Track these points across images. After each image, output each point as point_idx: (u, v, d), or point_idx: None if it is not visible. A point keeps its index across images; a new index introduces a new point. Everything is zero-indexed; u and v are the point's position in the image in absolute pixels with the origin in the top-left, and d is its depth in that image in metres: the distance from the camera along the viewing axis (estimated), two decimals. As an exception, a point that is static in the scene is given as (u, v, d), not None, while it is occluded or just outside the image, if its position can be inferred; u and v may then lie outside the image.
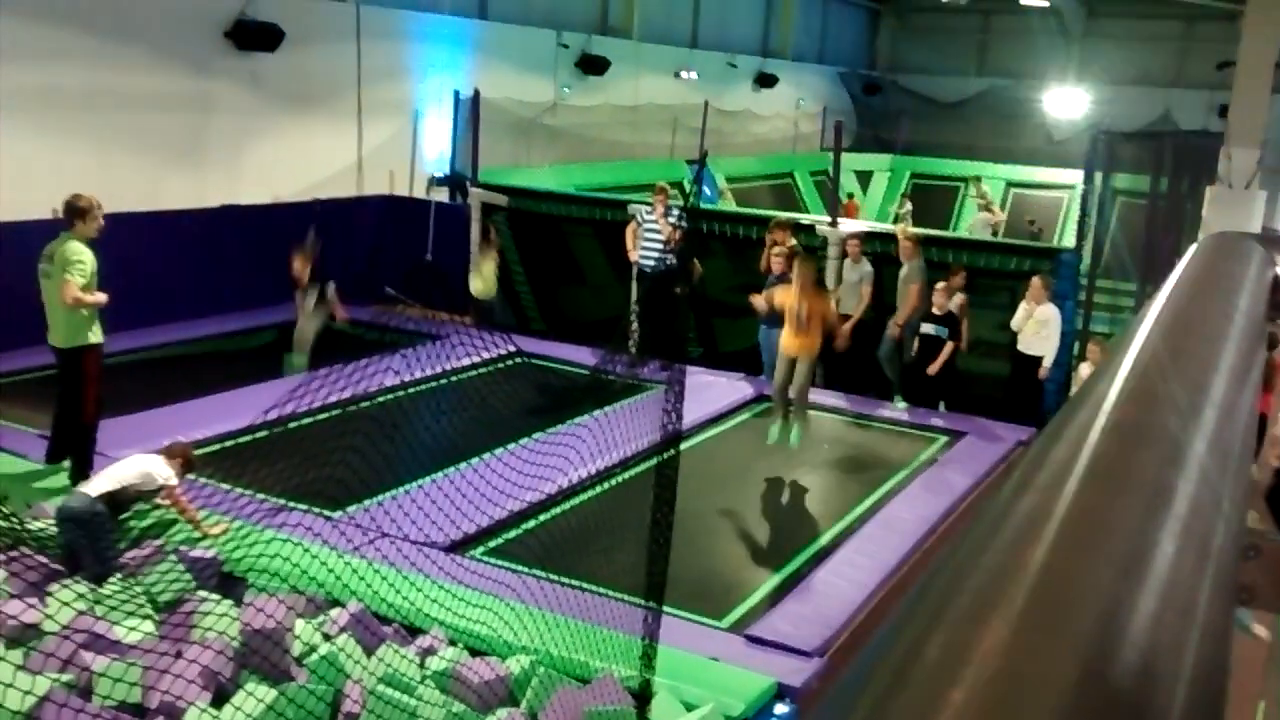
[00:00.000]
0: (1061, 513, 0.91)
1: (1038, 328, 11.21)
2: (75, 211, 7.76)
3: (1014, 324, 11.32)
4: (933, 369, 11.28)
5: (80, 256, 7.67)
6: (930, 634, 0.76)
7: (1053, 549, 0.85)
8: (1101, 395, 1.21)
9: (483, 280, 13.85)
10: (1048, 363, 11.17)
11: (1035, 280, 11.27)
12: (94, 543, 6.40)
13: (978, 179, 22.70)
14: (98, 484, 6.64)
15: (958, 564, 0.86)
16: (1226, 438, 1.11)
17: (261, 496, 7.66)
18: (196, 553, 6.56)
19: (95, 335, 7.87)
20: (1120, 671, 0.72)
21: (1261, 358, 1.57)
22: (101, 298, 7.90)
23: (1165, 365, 1.29)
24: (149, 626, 5.77)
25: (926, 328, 11.36)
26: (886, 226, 15.30)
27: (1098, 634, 0.75)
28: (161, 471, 6.84)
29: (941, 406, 11.67)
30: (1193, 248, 2.24)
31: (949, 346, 11.26)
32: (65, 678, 5.26)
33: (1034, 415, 11.30)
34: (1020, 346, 11.33)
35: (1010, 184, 24.54)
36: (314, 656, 5.64)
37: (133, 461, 6.87)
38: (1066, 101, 28.38)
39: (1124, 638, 0.75)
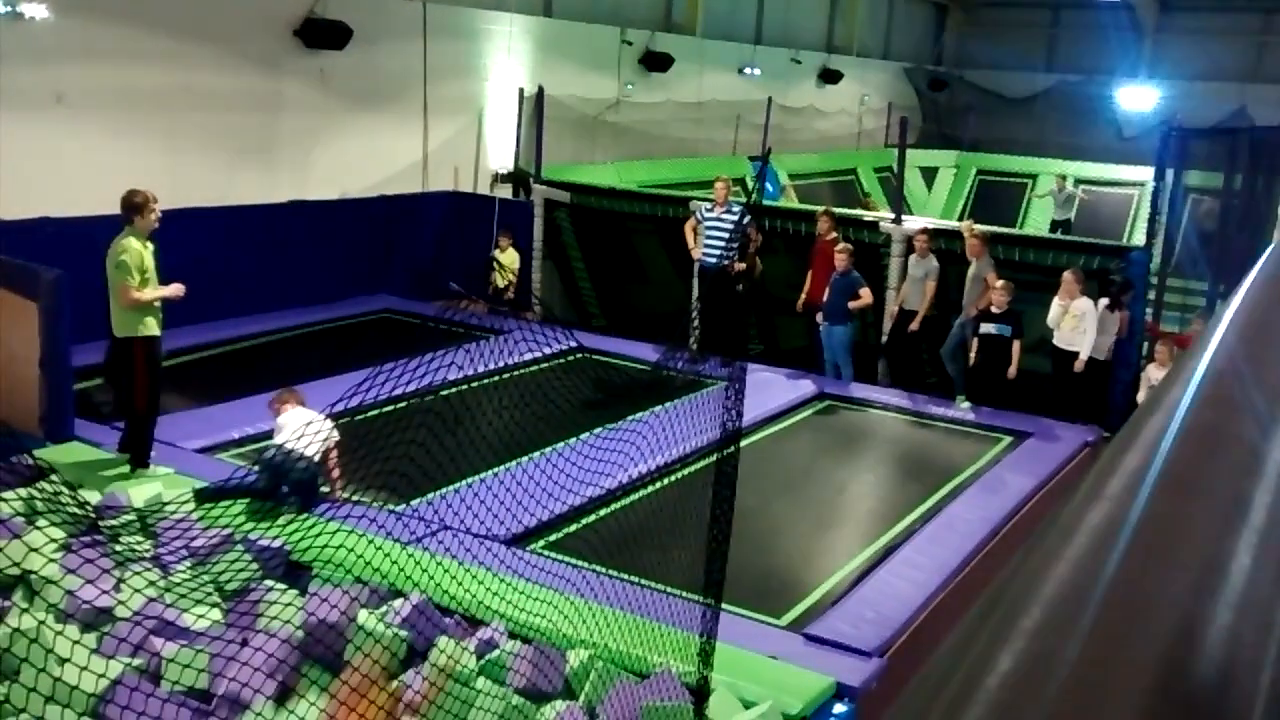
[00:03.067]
0: (1135, 522, 0.89)
1: (1075, 322, 11.03)
2: (131, 206, 7.91)
3: (1050, 321, 11.15)
4: (1011, 371, 11.11)
5: (123, 254, 7.77)
6: (1002, 644, 0.75)
7: (1127, 559, 0.84)
8: (1175, 400, 1.19)
9: (501, 273, 14.08)
10: (1084, 356, 10.98)
11: (1067, 274, 11.10)
12: (296, 488, 7.43)
13: (1063, 178, 22.40)
14: (290, 438, 7.32)
15: (1030, 573, 0.85)
16: None
17: (327, 488, 7.79)
18: (264, 541, 6.67)
19: (148, 328, 7.94)
20: (1196, 687, 0.71)
21: None
22: (166, 291, 8.03)
23: (1241, 370, 1.26)
24: (216, 614, 5.89)
25: (987, 327, 11.21)
26: (951, 223, 15.14)
27: (1173, 649, 0.73)
28: (329, 432, 7.42)
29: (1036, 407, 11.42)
30: (1270, 249, 2.18)
31: (1017, 346, 11.10)
32: (136, 662, 5.38)
33: (1099, 415, 11.13)
34: (1058, 342, 11.14)
35: (1079, 181, 24.14)
36: (377, 640, 5.72)
37: (313, 430, 7.29)
38: (1138, 97, 27.82)
39: (1200, 653, 0.73)
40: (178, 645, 5.41)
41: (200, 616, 5.77)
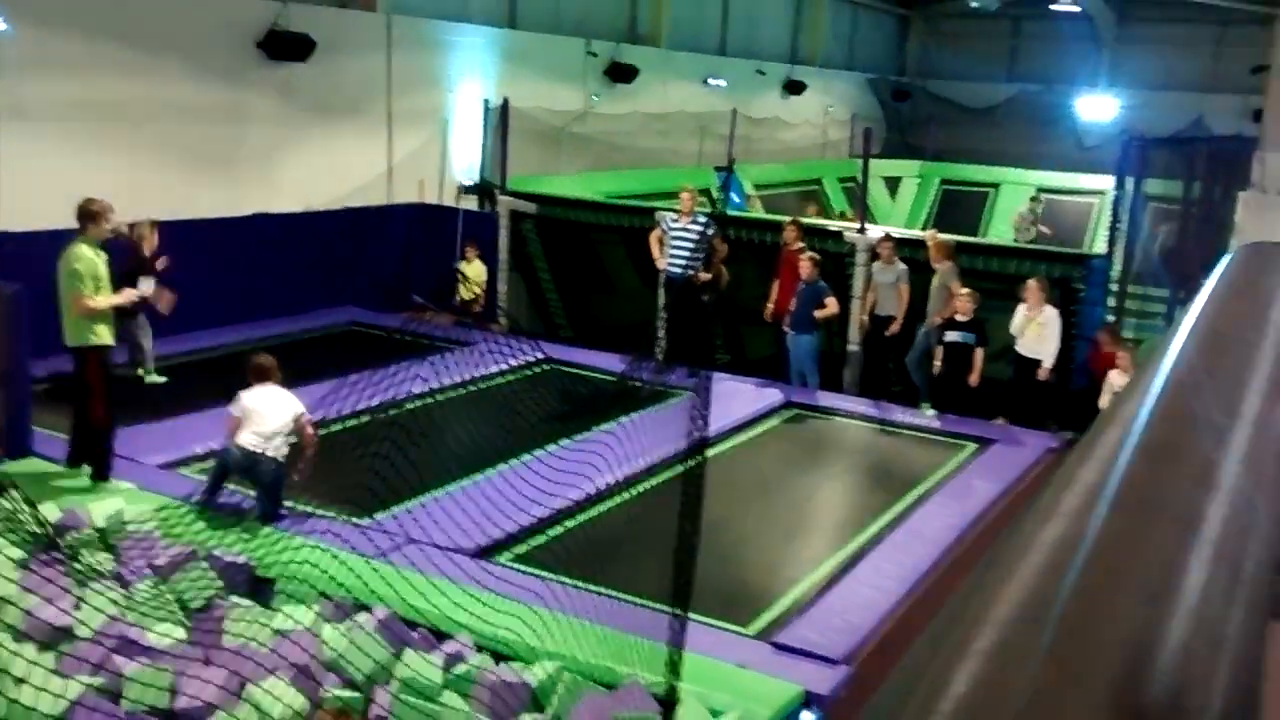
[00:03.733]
0: (1091, 540, 0.89)
1: (1040, 330, 11.15)
2: (86, 214, 7.88)
3: (1013, 328, 11.25)
4: (973, 380, 11.18)
5: (76, 263, 7.73)
6: (957, 667, 0.75)
7: (1083, 578, 0.84)
8: (1132, 413, 1.20)
9: (467, 286, 14.08)
10: (1048, 364, 11.10)
11: (1032, 283, 11.21)
12: (264, 491, 7.49)
13: (1037, 199, 22.42)
14: (261, 437, 7.39)
15: (985, 593, 0.85)
16: (1260, 455, 1.09)
17: (292, 502, 7.72)
18: (228, 557, 6.62)
19: (100, 337, 7.87)
20: (1150, 706, 0.71)
21: None
22: (119, 298, 7.99)
23: (1198, 383, 1.27)
24: (180, 632, 5.82)
25: (952, 335, 11.29)
26: (915, 233, 15.24)
27: (1127, 670, 0.73)
28: (293, 404, 7.61)
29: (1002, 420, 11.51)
30: (1225, 259, 2.22)
31: (979, 354, 11.17)
32: (96, 682, 5.31)
33: (1061, 421, 11.24)
34: (1021, 350, 11.25)
35: (1040, 190, 24.36)
36: (343, 657, 5.67)
37: (279, 405, 7.55)
38: (1097, 107, 28.17)
39: (1153, 673, 0.74)
40: (139, 664, 5.34)
41: (163, 634, 5.70)
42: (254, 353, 9.84)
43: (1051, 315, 11.13)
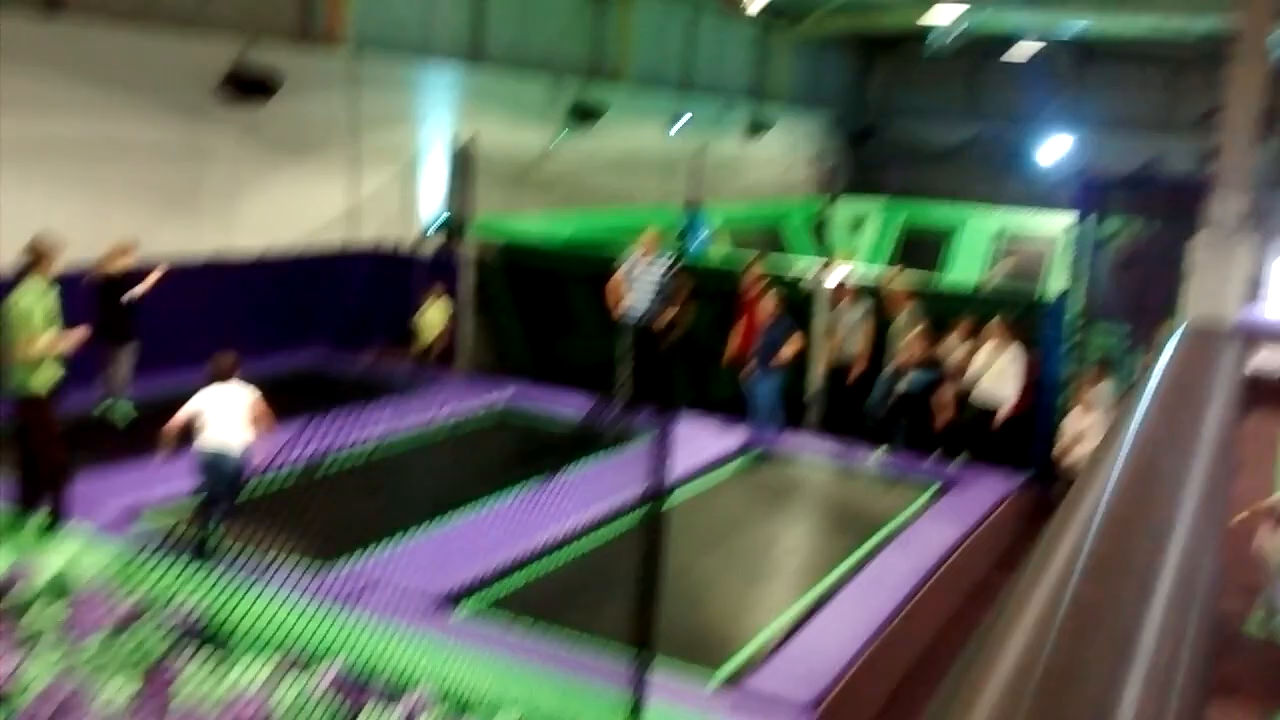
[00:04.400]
0: (1066, 605, 1.01)
1: (998, 372, 11.25)
2: (35, 253, 7.80)
3: (973, 371, 11.35)
4: (945, 417, 11.26)
5: (22, 306, 7.63)
6: None
7: (1058, 643, 0.97)
8: (1101, 485, 1.32)
9: (427, 327, 14.08)
10: (1007, 406, 11.19)
11: (991, 324, 11.33)
12: (227, 486, 7.85)
13: (1013, 254, 22.76)
14: (222, 434, 7.80)
15: (982, 662, 0.97)
16: (1194, 569, 1.15)
17: (249, 552, 7.62)
18: (185, 608, 6.50)
19: (41, 382, 7.77)
20: None
21: (1229, 465, 1.61)
22: (67, 341, 7.90)
23: (1141, 489, 1.33)
24: (131, 689, 5.70)
25: (912, 379, 11.34)
26: (873, 278, 15.34)
27: None
28: (245, 393, 8.00)
29: (961, 459, 11.59)
30: (1173, 339, 2.27)
31: (948, 390, 11.26)
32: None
33: (1023, 460, 11.32)
34: (980, 392, 11.33)
35: (1000, 229, 24.66)
36: (295, 716, 5.57)
37: (232, 400, 7.94)
38: (1057, 146, 28.62)
39: None
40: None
41: (116, 691, 5.58)
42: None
43: (1010, 357, 11.23)
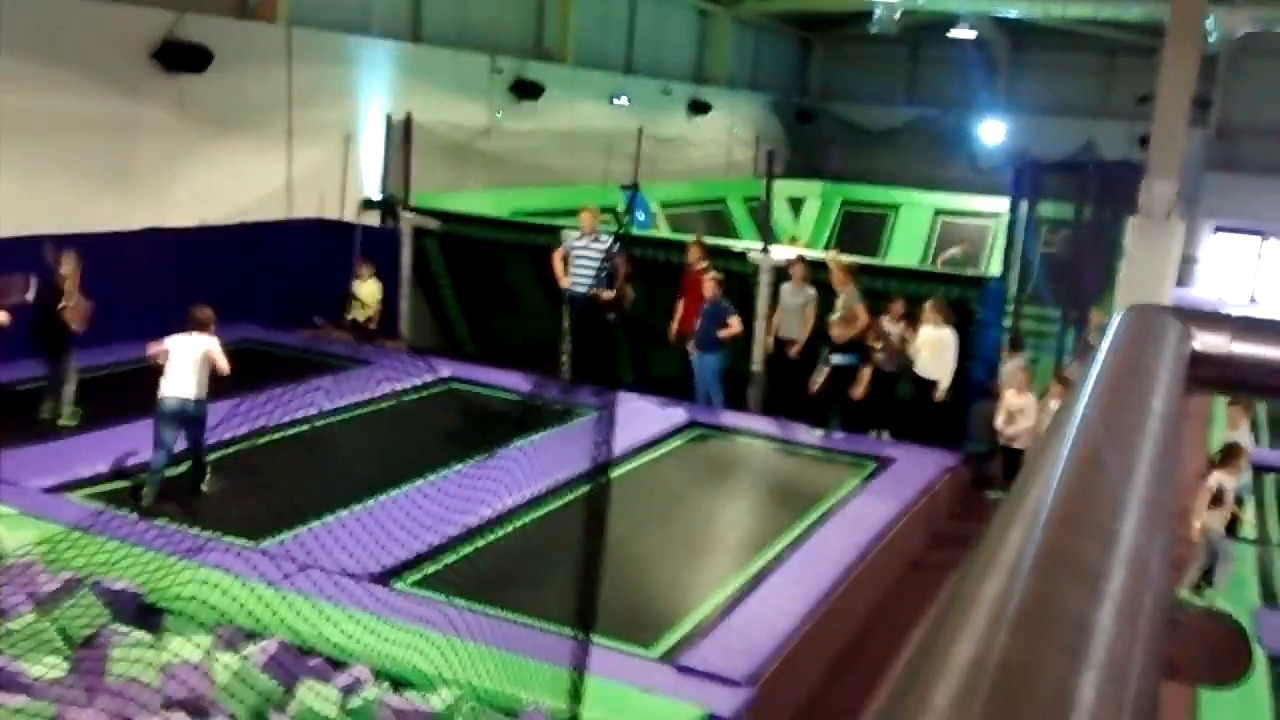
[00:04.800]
0: (1018, 600, 1.00)
1: (935, 351, 11.39)
2: None
3: (910, 350, 11.49)
4: (858, 393, 11.35)
5: None
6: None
7: (1011, 637, 0.94)
8: (1048, 477, 1.30)
9: (363, 303, 13.92)
10: (944, 385, 11.35)
11: (928, 304, 11.46)
12: (192, 432, 8.45)
13: (963, 241, 22.80)
14: (182, 381, 8.38)
15: (936, 652, 0.96)
16: (1146, 554, 1.16)
17: (184, 527, 7.50)
18: (116, 585, 6.38)
19: None
20: None
21: (1176, 447, 1.65)
22: None
23: (1095, 462, 1.35)
24: (63, 667, 5.59)
25: (836, 358, 11.44)
26: (818, 254, 15.45)
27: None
28: (208, 342, 8.59)
29: (885, 435, 11.73)
30: (1113, 324, 2.31)
31: (866, 371, 11.36)
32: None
33: (956, 438, 11.50)
34: (918, 370, 11.47)
35: (938, 211, 24.92)
36: (233, 694, 5.51)
37: (191, 347, 8.52)
38: (993, 130, 28.96)
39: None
40: (15, 702, 5.11)
41: (44, 670, 5.47)
42: (147, 370, 9.68)
43: (947, 336, 11.37)
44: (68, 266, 10.30)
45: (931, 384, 11.40)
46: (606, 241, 12.74)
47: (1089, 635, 0.95)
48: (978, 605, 1.00)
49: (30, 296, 9.99)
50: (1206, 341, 2.34)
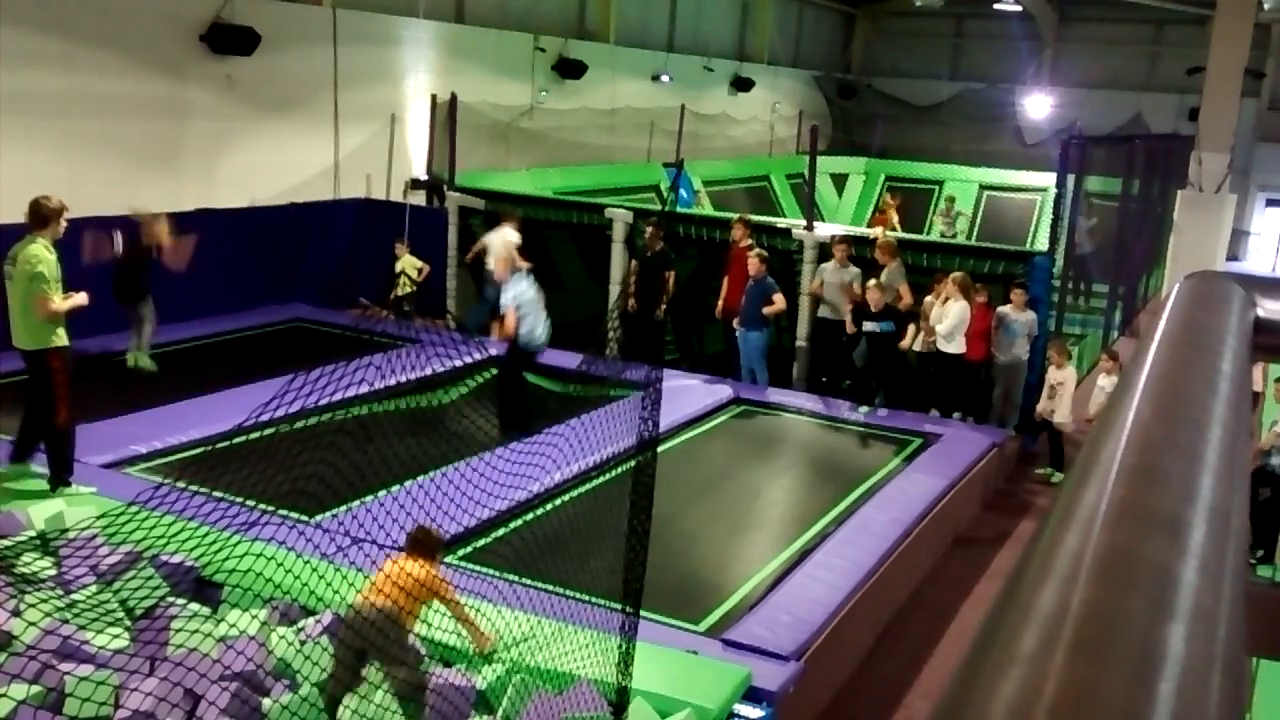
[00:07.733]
0: (1076, 611, 1.00)
1: (950, 323, 11.30)
2: (42, 215, 7.69)
3: (933, 321, 11.40)
4: (905, 343, 11.35)
5: (40, 265, 7.55)
6: (1007, 671, 0.85)
7: (1071, 650, 0.93)
8: (1104, 474, 1.29)
9: (409, 277, 14.09)
10: (952, 348, 11.30)
11: (951, 277, 11.34)
12: None
13: (951, 199, 22.73)
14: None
15: (1018, 603, 0.96)
16: (1223, 510, 1.16)
17: (239, 501, 7.62)
18: (173, 559, 6.52)
19: (60, 338, 7.73)
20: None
21: (1248, 408, 1.63)
22: (77, 299, 7.84)
23: (1160, 434, 1.34)
24: (124, 639, 5.73)
25: (870, 325, 11.40)
26: (863, 230, 15.37)
27: (1140, 666, 0.85)
28: None
29: (934, 413, 11.65)
30: (1173, 292, 2.29)
31: (909, 333, 11.35)
32: (34, 690, 5.20)
33: (984, 414, 11.47)
34: (940, 346, 11.35)
35: (983, 187, 24.66)
36: (287, 668, 5.62)
37: None
38: (1039, 105, 28.58)
39: (1161, 668, 0.85)
40: (82, 671, 5.24)
41: (110, 638, 5.60)
42: (199, 349, 9.88)
43: (956, 307, 11.19)
44: (155, 223, 11.16)
45: (956, 358, 11.30)
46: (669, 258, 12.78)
47: (1173, 588, 0.95)
48: (1058, 556, 1.01)
49: (119, 250, 10.79)
50: (1270, 309, 2.30)
